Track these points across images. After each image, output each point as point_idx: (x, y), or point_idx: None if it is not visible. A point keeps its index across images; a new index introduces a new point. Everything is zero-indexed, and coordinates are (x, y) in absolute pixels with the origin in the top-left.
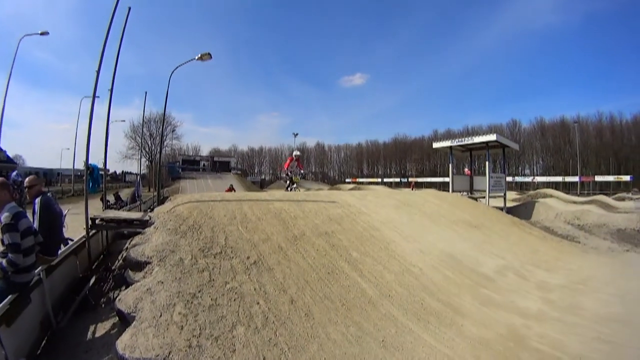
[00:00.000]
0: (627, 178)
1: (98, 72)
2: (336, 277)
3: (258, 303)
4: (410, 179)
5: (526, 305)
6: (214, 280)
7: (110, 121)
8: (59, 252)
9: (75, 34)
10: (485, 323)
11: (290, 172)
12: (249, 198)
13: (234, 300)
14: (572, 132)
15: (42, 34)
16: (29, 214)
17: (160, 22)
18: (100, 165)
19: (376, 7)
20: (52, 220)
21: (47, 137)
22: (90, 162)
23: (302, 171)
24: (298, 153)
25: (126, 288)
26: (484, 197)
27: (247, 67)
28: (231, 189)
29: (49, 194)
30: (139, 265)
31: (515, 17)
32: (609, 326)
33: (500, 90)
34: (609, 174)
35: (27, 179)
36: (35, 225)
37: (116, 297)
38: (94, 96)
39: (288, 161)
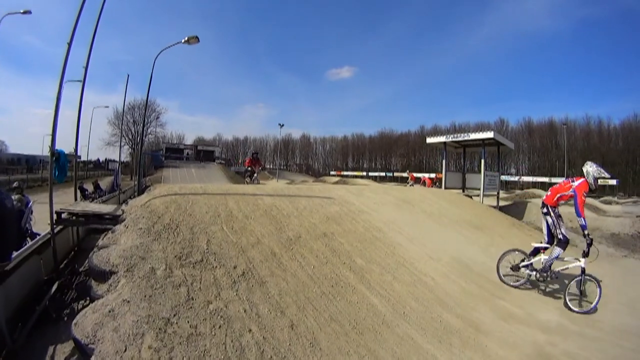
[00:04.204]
0: (613, 182)
1: (70, 44)
2: (341, 291)
3: (250, 330)
4: (408, 172)
5: (546, 318)
6: (193, 299)
7: (83, 102)
8: (20, 251)
9: (64, 18)
10: (510, 342)
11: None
12: (235, 192)
13: (219, 327)
14: (560, 133)
15: (24, 12)
16: None
17: (149, 9)
18: (74, 151)
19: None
20: (1, 218)
21: (33, 122)
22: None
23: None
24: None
25: (90, 302)
26: (477, 195)
27: (234, 56)
28: (256, 159)
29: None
30: (102, 275)
31: (508, 17)
32: (629, 340)
33: (489, 88)
34: None
35: None
36: None
37: (78, 312)
38: (63, 72)
39: None
